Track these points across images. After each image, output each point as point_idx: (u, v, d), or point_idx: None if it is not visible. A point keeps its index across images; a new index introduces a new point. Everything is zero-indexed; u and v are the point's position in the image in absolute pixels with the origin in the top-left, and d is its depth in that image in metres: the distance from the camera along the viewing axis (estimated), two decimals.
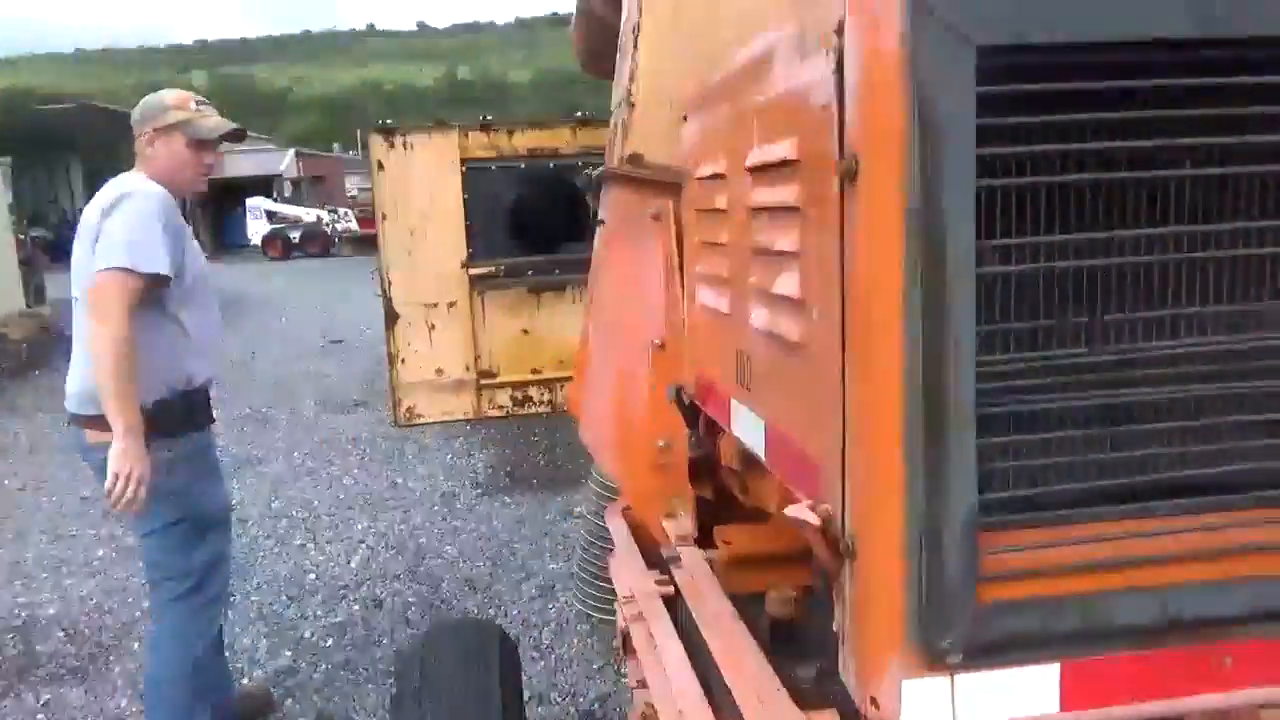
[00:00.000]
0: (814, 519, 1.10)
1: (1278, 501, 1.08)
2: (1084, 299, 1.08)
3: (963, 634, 1.00)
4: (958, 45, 0.91)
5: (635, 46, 2.15)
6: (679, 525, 2.17)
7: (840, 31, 0.99)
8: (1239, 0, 0.95)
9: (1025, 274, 1.04)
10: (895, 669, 1.02)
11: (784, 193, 1.20)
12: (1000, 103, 0.94)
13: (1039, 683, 1.04)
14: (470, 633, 2.51)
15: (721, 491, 2.02)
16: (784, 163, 1.19)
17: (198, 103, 3.00)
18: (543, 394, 7.85)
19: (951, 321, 0.95)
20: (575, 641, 4.09)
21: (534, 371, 7.80)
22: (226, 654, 3.56)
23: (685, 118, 1.84)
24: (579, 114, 7.60)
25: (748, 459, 1.72)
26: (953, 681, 1.02)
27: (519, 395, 7.87)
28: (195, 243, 3.02)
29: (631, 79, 2.16)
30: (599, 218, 2.41)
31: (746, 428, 1.50)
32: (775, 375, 1.33)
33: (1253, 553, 1.05)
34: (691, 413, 1.93)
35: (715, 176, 1.58)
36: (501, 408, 7.85)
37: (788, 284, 1.21)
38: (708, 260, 1.69)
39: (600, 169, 2.42)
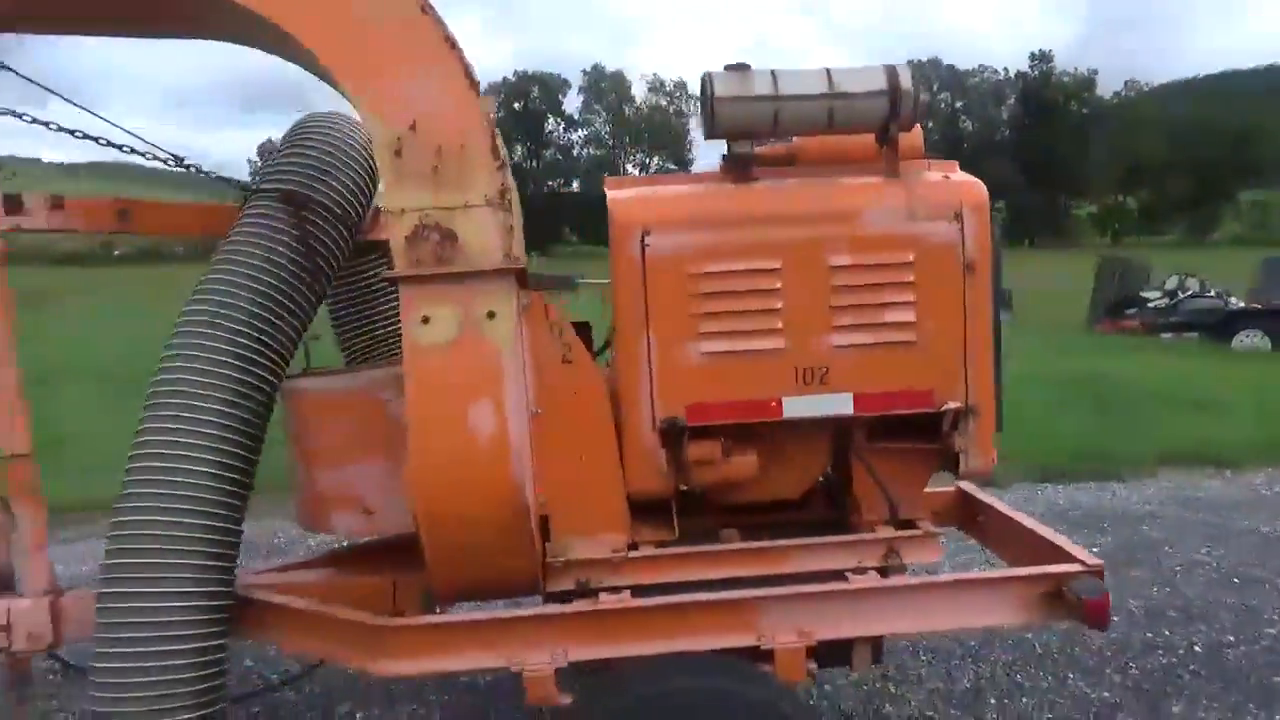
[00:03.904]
0: (955, 405, 2.69)
1: None
2: None
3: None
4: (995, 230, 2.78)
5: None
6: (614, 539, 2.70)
7: (959, 216, 2.67)
8: None
9: None
10: (994, 448, 2.77)
11: (904, 274, 2.66)
12: None
13: None
14: None
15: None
16: (904, 264, 2.66)
17: None
18: None
19: (998, 311, 2.78)
20: None
21: None
22: None
23: (648, 233, 2.63)
24: None
25: (727, 449, 2.75)
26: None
27: None
28: None
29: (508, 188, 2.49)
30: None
31: (813, 407, 2.68)
32: (872, 365, 2.68)
33: None
34: (676, 439, 2.65)
35: (751, 272, 2.64)
36: None
37: (903, 316, 2.67)
38: (729, 323, 2.65)
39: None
